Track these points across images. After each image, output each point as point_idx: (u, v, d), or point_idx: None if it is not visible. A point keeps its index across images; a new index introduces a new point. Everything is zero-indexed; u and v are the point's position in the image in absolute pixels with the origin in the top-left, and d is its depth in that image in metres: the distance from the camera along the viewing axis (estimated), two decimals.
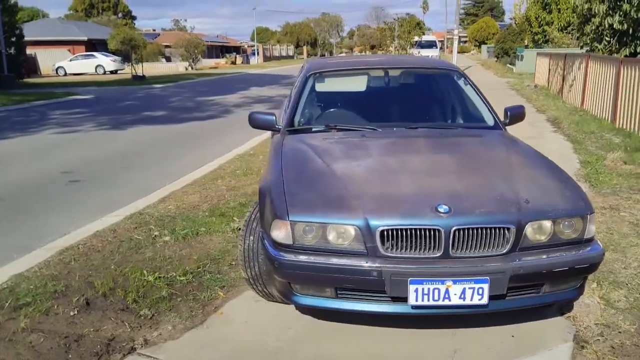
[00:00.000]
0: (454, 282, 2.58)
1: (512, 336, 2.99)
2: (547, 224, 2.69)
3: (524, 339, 2.96)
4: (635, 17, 10.72)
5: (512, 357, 2.79)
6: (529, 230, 2.66)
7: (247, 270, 3.22)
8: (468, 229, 2.60)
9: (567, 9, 30.90)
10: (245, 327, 3.15)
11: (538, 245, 2.70)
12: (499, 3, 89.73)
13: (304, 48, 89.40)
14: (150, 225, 4.78)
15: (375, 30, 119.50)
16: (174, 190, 6.03)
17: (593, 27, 12.02)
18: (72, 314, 3.20)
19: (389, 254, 2.63)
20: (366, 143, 3.60)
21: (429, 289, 2.59)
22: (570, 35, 29.01)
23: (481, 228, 2.61)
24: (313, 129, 3.92)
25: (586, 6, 11.94)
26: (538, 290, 2.77)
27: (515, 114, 4.07)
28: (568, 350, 2.85)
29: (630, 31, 11.09)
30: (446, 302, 2.61)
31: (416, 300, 2.61)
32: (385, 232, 2.61)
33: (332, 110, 4.27)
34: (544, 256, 2.68)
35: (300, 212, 2.74)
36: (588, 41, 12.24)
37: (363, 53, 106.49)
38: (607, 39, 11.82)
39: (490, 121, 3.99)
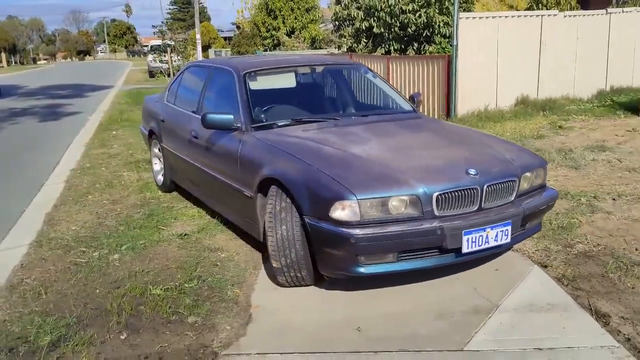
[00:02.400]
0: (491, 228, 3.26)
1: (496, 270, 3.81)
2: (529, 175, 3.56)
3: (505, 271, 3.80)
4: (388, 22, 12.82)
5: (514, 281, 3.60)
6: (521, 181, 3.49)
7: (282, 258, 3.39)
8: (494, 184, 3.30)
9: (289, 16, 34.09)
10: (295, 312, 3.31)
11: (524, 192, 3.55)
12: (204, 8, 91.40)
13: (2, 55, 79.01)
14: (81, 248, 4.34)
15: (79, 34, 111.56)
16: (48, 212, 5.39)
17: (352, 30, 13.88)
18: (122, 337, 2.94)
19: (442, 214, 3.17)
20: (348, 130, 4.00)
21: (476, 236, 3.22)
22: (297, 39, 32.08)
23: (501, 183, 3.34)
24: (279, 124, 4.13)
25: (345, 12, 13.72)
26: (524, 227, 3.62)
27: (418, 100, 4.90)
28: (539, 270, 3.78)
29: (385, 34, 13.20)
30: (486, 245, 3.27)
31: (468, 248, 3.21)
32: (440, 197, 3.15)
33: (279, 105, 4.50)
34: (532, 199, 3.54)
35: (363, 190, 3.09)
36: (350, 42, 14.07)
37: (68, 60, 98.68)
38: (364, 40, 13.81)
39: (407, 107, 4.74)
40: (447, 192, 3.17)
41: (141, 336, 2.98)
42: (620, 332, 2.96)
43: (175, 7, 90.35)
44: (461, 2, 13.32)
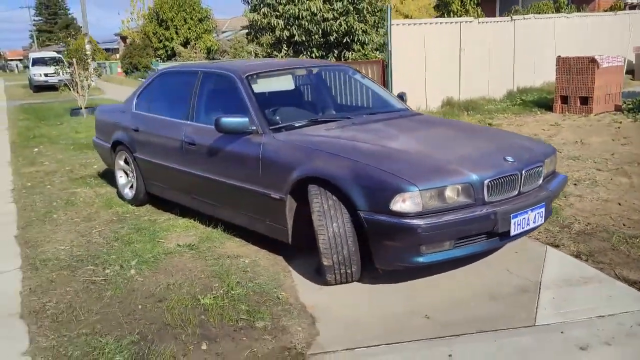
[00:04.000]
0: (531, 210, 3.48)
1: (516, 252, 4.05)
2: (548, 161, 3.84)
3: (523, 253, 4.04)
4: (310, 29, 13.03)
5: (539, 261, 3.85)
6: (544, 166, 3.75)
7: (334, 256, 3.39)
8: (529, 170, 3.53)
9: (182, 26, 33.33)
10: (354, 308, 3.33)
11: (545, 177, 3.81)
12: (73, 20, 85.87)
13: None
14: (87, 266, 4.02)
15: None
16: (17, 234, 4.93)
17: (273, 38, 13.93)
18: (204, 348, 2.80)
19: (491, 200, 3.33)
20: (369, 127, 4.06)
21: (521, 219, 3.42)
22: (193, 50, 31.44)
23: (533, 168, 3.57)
24: (295, 125, 4.09)
25: (265, 21, 13.74)
26: (545, 209, 3.88)
27: (406, 98, 5.08)
28: (553, 250, 4.07)
29: (306, 43, 13.39)
30: (527, 227, 3.49)
31: (515, 230, 3.40)
32: (490, 183, 3.31)
33: (284, 107, 4.45)
34: (551, 183, 3.81)
35: (423, 181, 3.17)
36: (268, 50, 14.08)
37: None
38: (285, 48, 13.90)
39: (401, 105, 4.90)
40: (496, 179, 3.34)
41: (221, 345, 2.84)
42: None
43: (40, 18, 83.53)
44: (375, 11, 13.85)
